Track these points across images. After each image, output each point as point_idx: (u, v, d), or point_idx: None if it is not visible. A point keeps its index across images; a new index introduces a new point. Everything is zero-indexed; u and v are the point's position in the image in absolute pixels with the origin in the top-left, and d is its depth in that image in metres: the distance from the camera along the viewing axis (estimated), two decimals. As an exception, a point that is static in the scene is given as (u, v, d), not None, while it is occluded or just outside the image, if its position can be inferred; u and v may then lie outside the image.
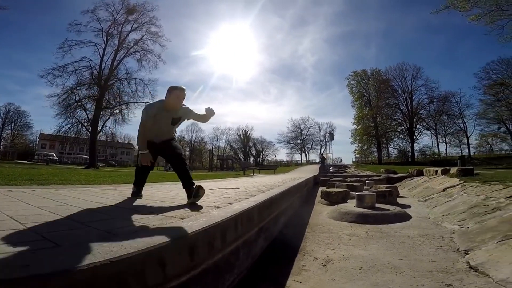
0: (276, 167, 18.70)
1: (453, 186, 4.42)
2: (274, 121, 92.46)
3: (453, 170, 5.92)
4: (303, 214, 3.77)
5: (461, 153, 39.59)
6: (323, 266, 1.85)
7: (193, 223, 1.30)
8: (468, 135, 40.74)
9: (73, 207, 1.81)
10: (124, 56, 24.80)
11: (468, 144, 41.19)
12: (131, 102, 24.58)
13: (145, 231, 1.15)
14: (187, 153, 60.52)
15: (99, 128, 23.31)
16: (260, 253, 2.00)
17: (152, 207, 1.96)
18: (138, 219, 1.44)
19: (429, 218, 3.19)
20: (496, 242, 1.79)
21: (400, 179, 8.53)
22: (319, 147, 54.80)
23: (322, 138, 53.74)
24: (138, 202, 2.21)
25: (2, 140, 44.81)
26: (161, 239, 0.98)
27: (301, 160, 54.44)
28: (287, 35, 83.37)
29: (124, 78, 24.93)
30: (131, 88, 24.73)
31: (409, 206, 4.06)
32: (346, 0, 70.01)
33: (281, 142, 57.13)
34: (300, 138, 55.95)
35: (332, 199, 4.58)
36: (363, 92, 43.65)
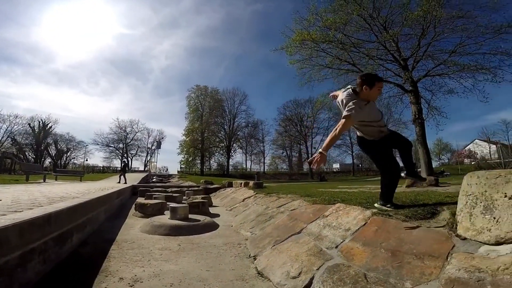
0: (83, 173, 15.06)
1: (249, 197, 5.44)
2: (94, 118, 75.69)
3: (251, 183, 7.46)
4: (110, 229, 3.22)
5: (260, 168, 52.81)
6: (131, 286, 1.61)
7: None
8: (265, 156, 55.10)
9: None
10: None
11: (264, 163, 55.66)
12: None
13: None
14: None
15: None
16: (37, 279, 1.58)
17: None
18: None
19: (232, 226, 3.64)
20: (271, 247, 2.21)
21: (216, 189, 9.62)
22: (145, 154, 51.26)
23: (149, 145, 50.70)
24: None
25: None
26: None
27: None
28: (151, 31, 74.07)
29: None
30: None
31: (218, 215, 4.54)
32: (223, 19, 74.63)
33: (98, 144, 47.51)
34: (124, 142, 49.37)
35: (147, 211, 4.25)
36: (199, 106, 47.28)
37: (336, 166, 59.60)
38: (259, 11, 72.23)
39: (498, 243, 1.07)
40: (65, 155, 46.66)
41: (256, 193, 5.48)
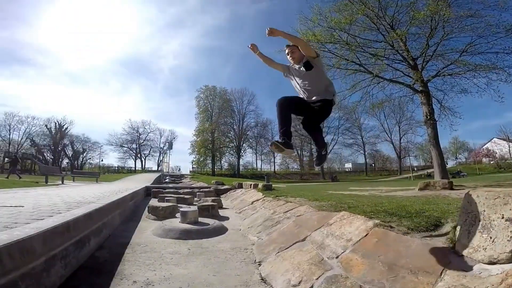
0: (98, 174, 15.62)
1: (258, 200, 5.46)
2: (107, 118, 78.26)
3: (260, 185, 7.51)
4: (125, 233, 3.34)
5: (270, 168, 52.93)
6: None
7: None
8: (275, 155, 55.09)
9: None
10: None
11: (274, 163, 55.67)
12: None
13: None
14: None
15: None
16: (60, 282, 1.71)
17: None
18: None
19: (240, 230, 3.69)
20: (275, 254, 2.25)
21: (226, 190, 9.67)
22: (158, 154, 52.43)
23: (162, 145, 51.88)
24: None
25: None
26: None
27: (135, 167, 49.26)
28: (158, 31, 75.93)
29: None
30: None
31: (227, 218, 4.62)
32: (228, 18, 75.40)
33: (112, 144, 49.10)
34: (137, 143, 50.71)
35: (159, 214, 4.40)
36: (208, 107, 47.96)
37: (348, 165, 58.76)
38: (263, 10, 72.20)
39: (491, 263, 1.09)
40: (82, 155, 48.39)
41: (264, 196, 5.53)
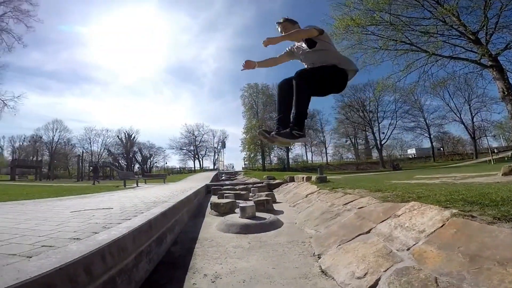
0: (165, 176, 17.45)
1: (312, 193, 5.38)
2: (166, 125, 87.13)
3: (314, 177, 7.36)
4: (193, 228, 3.68)
5: (322, 160, 51.30)
6: (212, 282, 1.87)
7: (43, 262, 1.09)
8: (326, 146, 53.17)
9: None
10: None
11: (326, 153, 53.83)
12: None
13: None
14: (46, 157, 46.88)
15: None
16: (145, 277, 1.88)
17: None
18: None
19: (296, 223, 3.71)
20: (336, 246, 2.21)
21: (278, 185, 9.80)
22: (213, 154, 55.81)
23: (215, 145, 55.08)
24: None
25: None
26: (6, 282, 0.86)
27: (194, 167, 53.57)
28: (194, 37, 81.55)
29: None
30: None
31: (282, 212, 4.69)
32: (255, 16, 76.76)
33: (173, 148, 54.43)
34: (193, 145, 54.98)
35: (221, 210, 4.71)
36: (253, 104, 48.94)
37: (411, 151, 52.61)
38: (288, 1, 69.18)
39: None
40: (149, 160, 54.67)
41: (319, 189, 5.41)
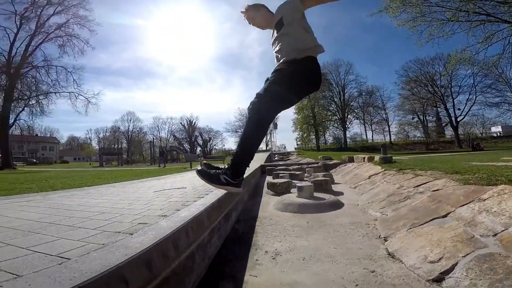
0: (224, 157, 18.61)
1: (376, 174, 5.06)
2: (220, 110, 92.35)
3: (377, 157, 6.84)
4: (252, 207, 3.87)
5: (384, 139, 47.19)
6: (273, 259, 1.96)
7: (143, 238, 1.26)
8: (389, 124, 48.37)
9: (4, 228, 1.55)
10: (42, 42, 21.30)
11: (389, 132, 49.19)
12: (51, 92, 21.00)
13: (97, 251, 1.09)
14: (125, 145, 55.04)
15: (10, 122, 19.30)
16: (215, 252, 2.04)
17: (92, 220, 1.75)
18: (85, 238, 1.31)
19: (358, 205, 3.58)
20: (406, 230, 2.08)
21: (335, 165, 9.41)
22: (267, 135, 57.12)
23: (268, 127, 56.16)
24: (74, 215, 1.94)
25: None
26: (118, 258, 0.98)
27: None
28: (236, 24, 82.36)
29: (41, 66, 21.66)
30: (50, 76, 21.61)
31: (342, 193, 4.54)
32: None
33: (229, 131, 57.75)
34: (247, 127, 57.46)
35: (277, 190, 4.84)
36: None
37: (496, 129, 43.92)
38: None
39: None
40: (209, 143, 59.12)
41: (384, 170, 5.05)
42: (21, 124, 21.30)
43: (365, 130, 50.17)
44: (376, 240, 2.19)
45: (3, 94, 18.86)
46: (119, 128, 56.04)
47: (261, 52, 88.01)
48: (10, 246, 1.18)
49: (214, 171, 1.83)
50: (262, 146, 55.53)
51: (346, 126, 46.42)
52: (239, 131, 56.60)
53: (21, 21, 19.58)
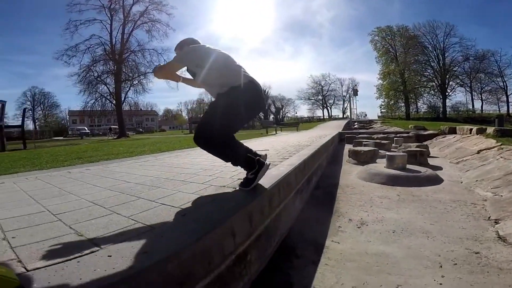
0: (297, 124, 18.49)
1: (488, 149, 4.18)
2: (291, 79, 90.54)
3: (490, 130, 5.55)
4: (332, 174, 3.82)
5: (499, 111, 37.02)
6: (358, 228, 1.95)
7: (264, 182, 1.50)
8: (508, 93, 37.21)
9: (133, 184, 1.94)
10: (132, 29, 25.04)
11: (508, 102, 37.92)
12: (148, 73, 24.92)
13: (210, 204, 1.31)
14: (205, 112, 61.40)
15: (122, 100, 24.14)
16: (296, 215, 2.13)
17: (199, 176, 2.11)
18: (198, 191, 1.60)
19: (461, 182, 3.12)
20: None
21: (431, 136, 8.10)
22: (342, 102, 53.30)
23: (344, 93, 52.08)
24: (183, 171, 2.36)
25: (37, 120, 49.57)
26: (228, 212, 1.11)
27: (323, 115, 53.85)
28: None
29: (137, 50, 25.34)
30: (146, 59, 25.61)
31: (440, 168, 3.96)
32: None
33: (301, 99, 56.45)
34: (321, 94, 54.77)
35: (360, 159, 4.58)
36: (389, 48, 41.14)
37: None
38: None
39: None
40: (281, 111, 59.51)
41: (501, 144, 4.10)
42: (129, 101, 26.31)
43: (472, 100, 39.83)
44: (484, 221, 1.94)
45: (114, 77, 23.29)
46: (203, 100, 62.33)
47: (332, 17, 78.46)
48: (142, 200, 1.47)
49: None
50: (339, 113, 52.12)
51: (447, 93, 38.02)
52: (312, 98, 54.54)
53: (111, 13, 22.99)
